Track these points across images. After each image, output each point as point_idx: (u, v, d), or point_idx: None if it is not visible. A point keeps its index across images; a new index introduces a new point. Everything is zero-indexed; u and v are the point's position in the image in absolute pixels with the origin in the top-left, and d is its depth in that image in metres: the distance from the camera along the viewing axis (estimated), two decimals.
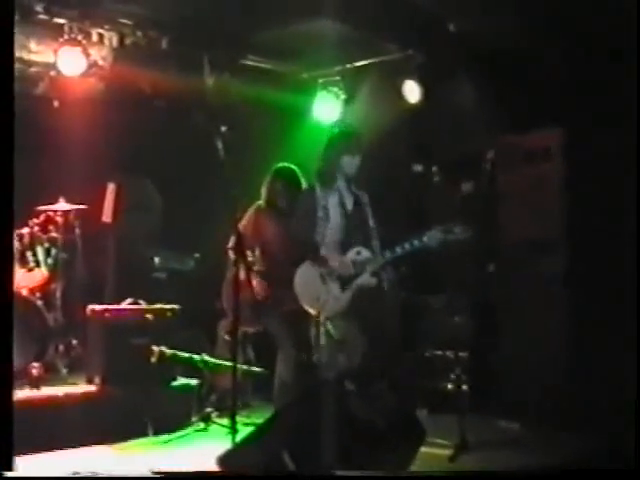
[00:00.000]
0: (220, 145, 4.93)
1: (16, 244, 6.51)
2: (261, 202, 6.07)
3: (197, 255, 7.54)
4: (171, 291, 7.01)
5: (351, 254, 5.33)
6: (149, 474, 4.76)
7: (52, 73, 6.90)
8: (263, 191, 6.03)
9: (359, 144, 5.48)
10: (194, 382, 6.37)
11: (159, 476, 4.81)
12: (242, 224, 5.79)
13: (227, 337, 6.39)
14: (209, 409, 6.16)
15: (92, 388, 6.10)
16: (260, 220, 6.05)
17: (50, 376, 6.22)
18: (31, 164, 7.16)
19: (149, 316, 6.33)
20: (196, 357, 6.15)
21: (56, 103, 7.19)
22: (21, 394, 5.77)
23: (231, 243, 5.96)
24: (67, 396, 5.85)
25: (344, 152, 5.40)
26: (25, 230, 6.62)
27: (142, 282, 7.16)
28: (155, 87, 7.30)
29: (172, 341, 6.24)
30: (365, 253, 5.33)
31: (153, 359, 6.06)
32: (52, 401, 5.78)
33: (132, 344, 6.14)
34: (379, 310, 5.43)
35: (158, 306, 6.43)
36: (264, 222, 6.04)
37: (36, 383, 5.93)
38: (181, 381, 6.37)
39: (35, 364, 6.02)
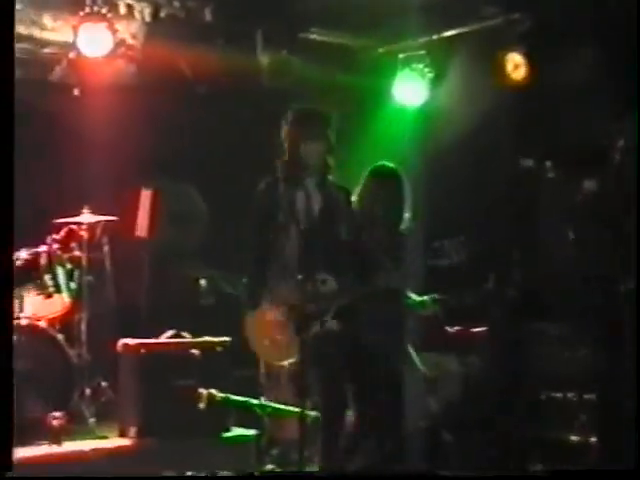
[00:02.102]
0: (280, 139, 4.85)
1: (32, 266, 6.47)
2: (352, 200, 5.96)
3: None
4: (221, 320, 6.82)
5: (312, 283, 5.01)
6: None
7: (71, 55, 6.90)
8: (356, 193, 5.93)
9: (321, 126, 5.20)
10: (251, 432, 6.30)
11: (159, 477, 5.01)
12: None
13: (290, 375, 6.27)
14: (270, 465, 6.07)
15: (126, 442, 6.07)
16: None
17: (74, 427, 6.17)
18: (48, 167, 7.21)
19: (195, 351, 6.29)
20: (253, 401, 6.04)
21: (76, 91, 7.20)
22: (39, 450, 5.73)
23: None
24: (95, 452, 5.80)
25: (302, 138, 5.15)
26: (42, 248, 6.59)
27: (186, 310, 7.10)
28: (197, 70, 7.28)
29: (224, 382, 6.15)
30: (331, 283, 5.08)
31: (201, 404, 5.96)
32: (77, 458, 5.74)
33: (174, 386, 6.09)
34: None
35: (206, 339, 6.38)
36: None
37: (57, 437, 5.87)
38: (235, 431, 6.34)
39: (56, 413, 5.97)
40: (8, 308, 3.98)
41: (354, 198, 5.78)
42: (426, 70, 7.72)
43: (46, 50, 6.99)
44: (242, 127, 7.14)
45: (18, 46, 6.81)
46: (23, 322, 6.32)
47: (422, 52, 7.71)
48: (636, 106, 5.95)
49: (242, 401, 6.04)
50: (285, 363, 5.22)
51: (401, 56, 7.78)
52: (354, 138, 7.37)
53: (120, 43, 6.73)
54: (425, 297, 5.76)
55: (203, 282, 7.36)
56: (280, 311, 5.10)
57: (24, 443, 5.84)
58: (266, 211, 5.20)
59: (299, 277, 4.91)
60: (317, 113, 5.27)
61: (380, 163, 5.96)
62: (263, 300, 5.18)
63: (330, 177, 5.27)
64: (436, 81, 7.75)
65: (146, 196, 7.43)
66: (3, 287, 4.01)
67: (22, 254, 6.49)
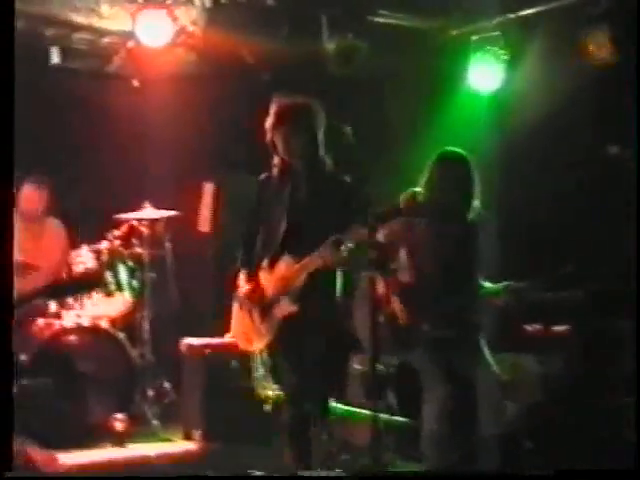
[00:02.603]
0: (348, 129, 4.79)
1: (93, 262, 6.55)
2: (418, 190, 5.91)
3: None
4: None
5: (281, 266, 5.04)
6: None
7: (130, 44, 6.91)
8: (422, 180, 5.87)
9: (303, 119, 5.12)
10: None
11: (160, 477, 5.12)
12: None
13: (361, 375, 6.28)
14: (338, 470, 5.95)
15: (191, 445, 6.12)
16: (413, 214, 5.85)
17: (138, 430, 6.24)
18: (108, 161, 7.26)
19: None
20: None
21: (135, 82, 7.24)
22: (101, 454, 5.82)
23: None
24: (160, 456, 5.83)
25: (284, 132, 5.09)
26: (103, 245, 6.65)
27: None
28: (260, 57, 7.22)
29: None
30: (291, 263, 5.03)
31: (267, 406, 5.99)
32: (141, 462, 5.78)
33: (240, 387, 6.09)
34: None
35: None
36: (418, 218, 5.85)
37: (120, 440, 5.97)
38: None
39: (118, 415, 6.07)
40: (8, 308, 3.96)
41: (419, 188, 5.73)
42: (501, 52, 7.49)
43: (104, 40, 6.99)
44: None
45: (76, 36, 6.90)
46: (85, 322, 6.40)
47: (497, 33, 7.47)
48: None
49: None
50: (255, 347, 5.26)
51: (474, 38, 7.57)
52: (426, 125, 7.28)
53: (180, 31, 6.68)
54: (499, 285, 5.66)
55: None
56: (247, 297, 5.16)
57: (87, 446, 5.96)
58: (257, 207, 5.26)
59: (265, 262, 5.06)
60: (298, 106, 5.19)
61: (447, 149, 5.87)
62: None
63: (324, 168, 5.19)
64: (512, 64, 7.50)
65: (208, 190, 7.43)
66: (2, 287, 3.99)
67: (83, 251, 6.59)
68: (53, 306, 6.55)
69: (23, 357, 6.15)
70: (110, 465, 5.69)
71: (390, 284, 5.43)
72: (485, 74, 7.60)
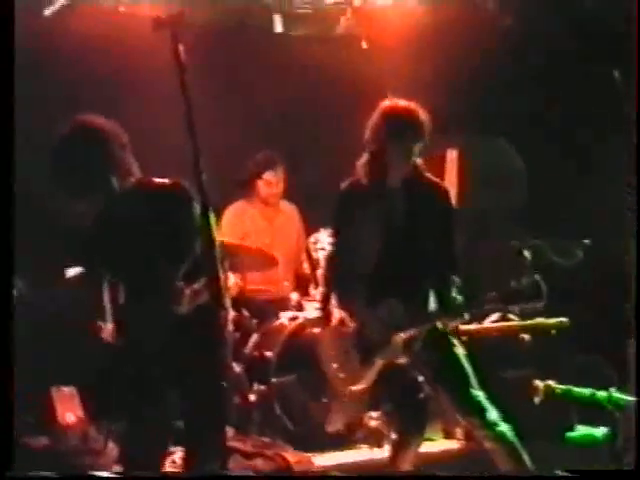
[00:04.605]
0: (617, 74, 4.69)
1: None
2: None
3: (587, 241, 7.28)
4: (553, 298, 6.78)
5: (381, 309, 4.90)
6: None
7: (356, 2, 7.09)
8: None
9: (419, 127, 4.91)
10: (601, 431, 6.21)
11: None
12: None
13: None
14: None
15: (453, 444, 6.14)
16: None
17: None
18: (336, 131, 7.36)
19: (525, 336, 6.29)
20: (601, 394, 5.97)
21: (364, 44, 7.33)
22: (357, 455, 5.99)
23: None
24: (418, 456, 5.82)
25: (394, 139, 4.90)
26: None
27: (508, 285, 7.05)
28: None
29: (563, 371, 6.17)
30: (398, 309, 4.87)
31: (537, 398, 6.02)
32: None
33: (504, 378, 6.12)
34: None
35: (537, 321, 6.17)
36: None
37: (378, 439, 6.02)
38: (581, 430, 6.32)
39: (373, 413, 6.10)
40: (7, 305, 4.06)
41: None
42: None
43: (327, 3, 7.19)
44: (564, 62, 6.94)
45: (298, 1, 7.09)
46: None
47: None
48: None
49: (587, 394, 5.98)
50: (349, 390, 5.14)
51: None
52: None
53: None
54: None
55: (527, 253, 7.24)
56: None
57: (342, 446, 6.10)
58: (347, 216, 5.09)
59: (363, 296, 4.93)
60: (421, 114, 4.97)
61: None
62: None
63: (420, 175, 5.04)
64: None
65: (452, 156, 7.40)
66: (2, 286, 4.04)
67: (321, 235, 6.58)
68: (294, 296, 6.72)
69: (269, 354, 6.31)
70: (367, 466, 5.81)
71: None
72: None
